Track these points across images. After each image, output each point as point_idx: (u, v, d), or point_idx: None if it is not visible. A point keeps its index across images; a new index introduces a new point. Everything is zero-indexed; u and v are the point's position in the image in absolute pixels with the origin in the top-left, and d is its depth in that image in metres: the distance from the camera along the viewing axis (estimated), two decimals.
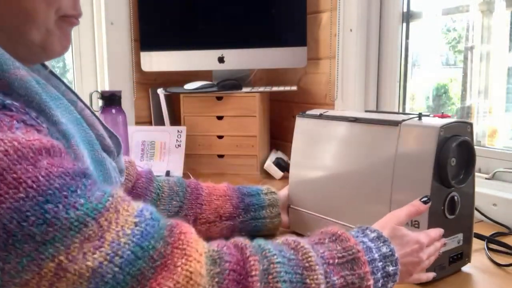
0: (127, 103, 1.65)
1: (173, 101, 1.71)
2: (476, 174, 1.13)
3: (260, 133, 1.52)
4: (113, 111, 1.30)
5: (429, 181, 0.69)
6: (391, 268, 0.56)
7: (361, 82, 1.43)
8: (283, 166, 1.44)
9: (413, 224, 0.71)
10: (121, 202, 0.46)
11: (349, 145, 0.83)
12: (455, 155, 0.70)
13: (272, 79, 1.84)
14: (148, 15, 1.63)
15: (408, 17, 1.37)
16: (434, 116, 0.76)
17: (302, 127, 0.93)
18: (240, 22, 1.62)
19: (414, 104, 1.42)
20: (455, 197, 0.72)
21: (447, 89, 1.36)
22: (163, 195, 0.84)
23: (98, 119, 0.65)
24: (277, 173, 1.45)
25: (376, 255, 0.56)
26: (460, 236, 0.75)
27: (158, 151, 1.54)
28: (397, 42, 1.37)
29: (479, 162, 1.15)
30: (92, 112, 0.64)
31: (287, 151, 1.55)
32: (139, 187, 0.83)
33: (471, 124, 0.73)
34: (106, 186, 0.48)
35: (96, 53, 1.67)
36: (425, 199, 0.68)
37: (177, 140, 1.54)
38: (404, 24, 1.37)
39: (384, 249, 0.57)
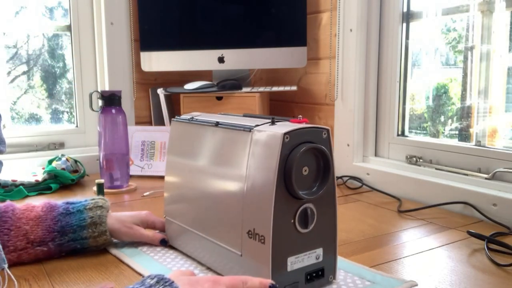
0: (127, 103, 1.65)
1: (173, 101, 1.71)
2: (476, 174, 1.15)
3: None
4: (113, 111, 1.30)
5: (272, 192, 0.62)
6: None
7: (361, 82, 1.43)
8: None
9: (260, 239, 0.64)
10: None
11: (213, 152, 0.75)
12: (306, 164, 0.64)
13: (272, 79, 1.84)
14: (148, 15, 1.63)
15: (408, 17, 1.37)
16: (290, 121, 0.69)
17: (175, 131, 0.86)
18: (240, 22, 1.62)
19: (414, 104, 1.42)
20: (308, 209, 0.65)
21: (447, 89, 1.36)
22: None
23: None
24: None
25: None
26: (319, 251, 0.68)
27: (158, 151, 1.54)
28: (397, 42, 1.37)
29: (479, 162, 1.16)
30: None
31: None
32: None
33: (327, 130, 0.67)
34: None
35: (96, 53, 1.67)
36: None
37: None
38: (404, 24, 1.37)
39: None
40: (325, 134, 0.67)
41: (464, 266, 0.80)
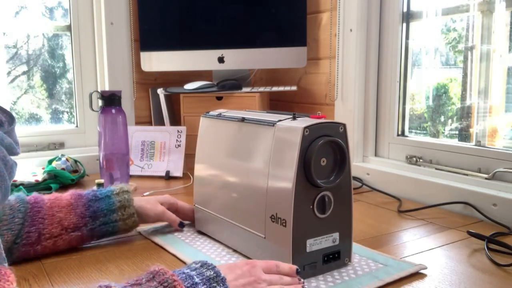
0: (127, 103, 1.65)
1: (173, 101, 1.71)
2: (476, 174, 1.15)
3: None
4: (113, 111, 1.30)
5: (293, 180, 0.69)
6: None
7: (361, 82, 1.43)
8: None
9: (281, 223, 0.71)
10: None
11: (239, 145, 0.83)
12: (324, 155, 0.71)
13: (272, 79, 1.84)
14: (148, 15, 1.63)
15: (408, 17, 1.37)
16: (310, 117, 0.76)
17: (204, 126, 0.93)
18: (240, 22, 1.62)
19: (414, 104, 1.42)
20: (326, 197, 0.72)
21: (447, 89, 1.36)
22: (4, 216, 0.79)
23: None
24: None
25: (197, 279, 0.58)
26: (335, 235, 0.75)
27: (158, 151, 1.54)
28: (397, 42, 1.37)
29: (479, 162, 1.16)
30: None
31: None
32: None
33: (343, 125, 0.73)
34: None
35: (96, 53, 1.67)
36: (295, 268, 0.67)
37: (177, 140, 1.54)
38: (404, 24, 1.37)
39: (208, 273, 0.59)
40: (341, 128, 0.73)
41: (464, 266, 0.80)
